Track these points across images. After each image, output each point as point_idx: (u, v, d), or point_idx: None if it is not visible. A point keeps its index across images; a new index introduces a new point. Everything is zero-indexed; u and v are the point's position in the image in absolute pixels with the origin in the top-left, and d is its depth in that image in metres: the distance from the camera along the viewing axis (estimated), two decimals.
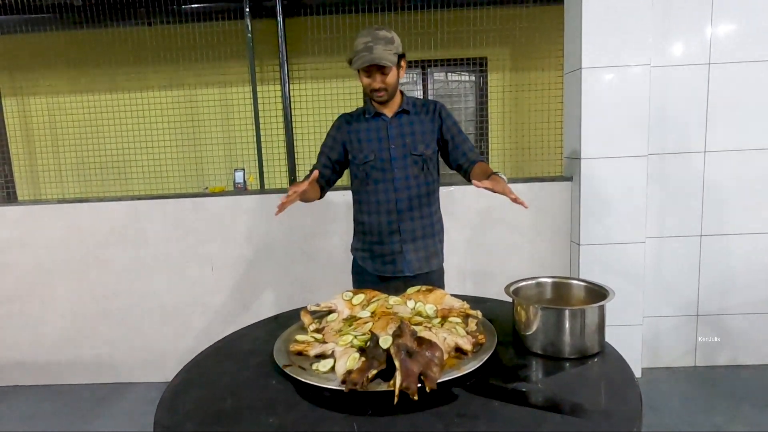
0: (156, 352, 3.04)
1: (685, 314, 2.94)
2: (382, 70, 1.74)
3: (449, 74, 4.50)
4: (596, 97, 2.64)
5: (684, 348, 2.98)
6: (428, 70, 4.37)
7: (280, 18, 2.93)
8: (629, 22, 2.57)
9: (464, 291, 2.88)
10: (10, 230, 2.94)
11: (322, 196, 1.93)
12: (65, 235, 2.94)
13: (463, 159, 1.88)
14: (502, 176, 1.63)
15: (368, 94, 1.83)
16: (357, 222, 2.00)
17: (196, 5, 3.33)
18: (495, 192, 1.48)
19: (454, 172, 1.96)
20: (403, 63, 1.80)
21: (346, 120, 1.93)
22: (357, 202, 1.97)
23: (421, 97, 1.95)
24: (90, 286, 2.98)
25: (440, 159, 1.97)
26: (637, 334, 2.85)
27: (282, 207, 1.51)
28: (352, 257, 2.07)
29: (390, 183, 1.87)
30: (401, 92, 1.89)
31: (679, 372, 2.93)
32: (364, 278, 2.00)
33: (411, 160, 1.85)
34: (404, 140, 1.85)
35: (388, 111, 1.88)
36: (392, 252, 1.92)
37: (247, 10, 2.95)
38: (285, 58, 2.98)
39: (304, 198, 1.75)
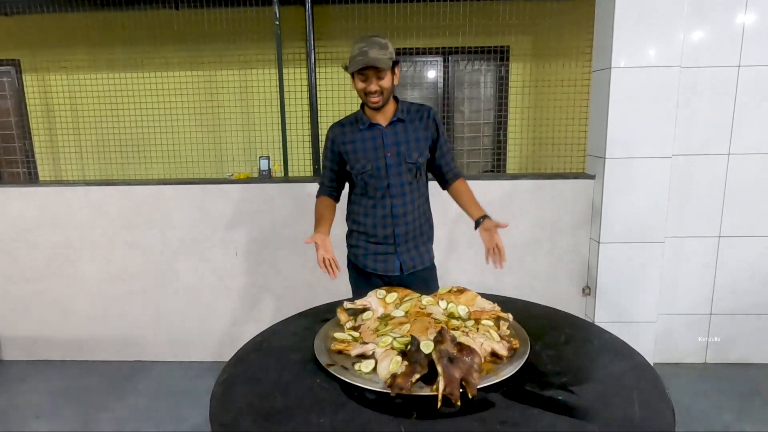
0: (179, 332, 3.12)
1: (698, 312, 2.98)
2: (378, 73, 1.77)
3: (471, 62, 4.48)
4: (625, 97, 2.63)
5: (696, 345, 3.03)
6: (449, 57, 4.35)
7: (308, 6, 2.92)
8: (662, 23, 2.55)
9: (483, 283, 2.93)
10: (38, 210, 3.00)
11: (337, 201, 2.08)
12: (92, 216, 3.00)
13: (446, 169, 2.01)
14: (491, 219, 1.83)
15: (363, 99, 1.86)
16: (353, 222, 2.06)
17: None
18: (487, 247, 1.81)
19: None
20: (396, 70, 1.83)
21: (339, 131, 1.95)
22: (353, 203, 2.04)
23: (416, 102, 1.99)
24: (116, 266, 3.05)
25: None
26: (651, 330, 2.90)
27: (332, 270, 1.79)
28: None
29: (386, 190, 1.93)
30: (395, 98, 1.92)
31: (690, 368, 2.99)
32: (357, 273, 2.09)
33: (405, 167, 1.91)
34: (399, 148, 1.90)
35: (383, 120, 1.90)
36: (386, 252, 2.00)
37: None
38: (312, 47, 2.98)
39: None
